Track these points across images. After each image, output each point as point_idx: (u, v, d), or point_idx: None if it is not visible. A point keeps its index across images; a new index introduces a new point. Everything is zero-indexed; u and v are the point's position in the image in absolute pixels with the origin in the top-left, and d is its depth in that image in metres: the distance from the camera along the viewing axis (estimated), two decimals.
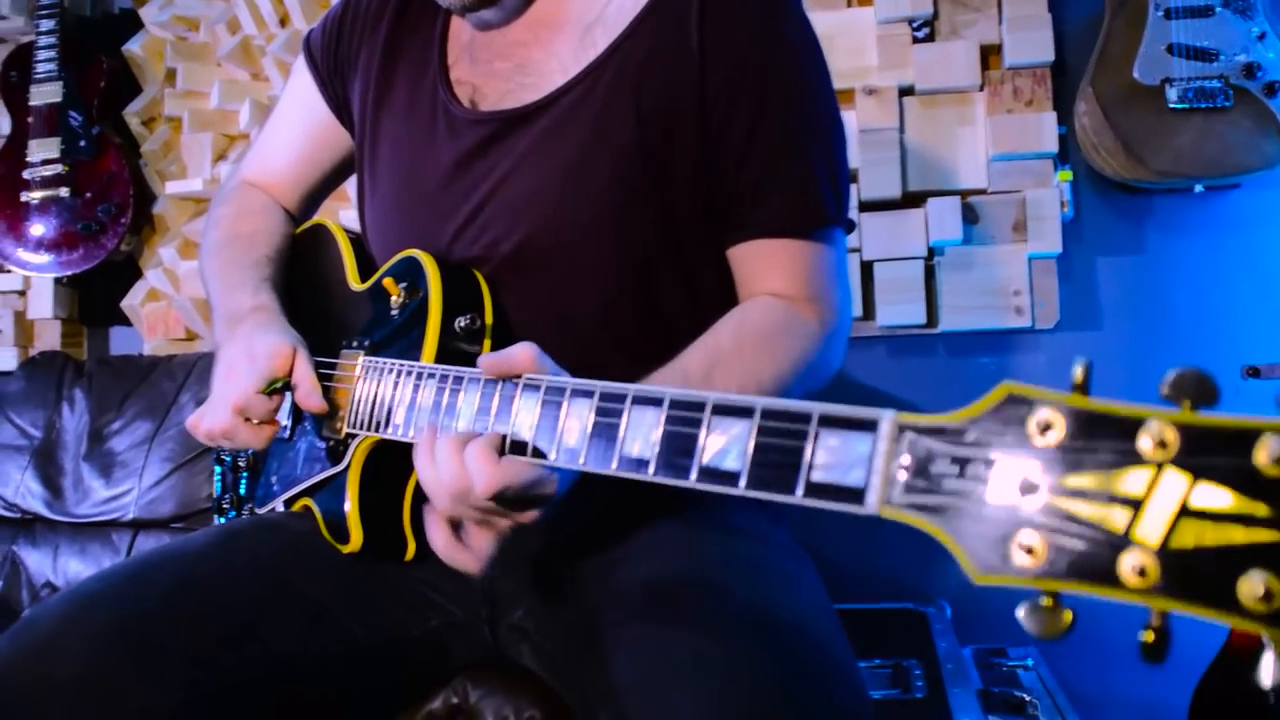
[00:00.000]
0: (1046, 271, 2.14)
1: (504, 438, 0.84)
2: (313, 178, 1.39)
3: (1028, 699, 1.69)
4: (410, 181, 1.18)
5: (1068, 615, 0.55)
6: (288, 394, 1.10)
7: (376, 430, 1.04)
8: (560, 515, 1.04)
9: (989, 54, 2.17)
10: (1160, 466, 0.51)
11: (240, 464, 1.30)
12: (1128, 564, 0.51)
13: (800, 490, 0.63)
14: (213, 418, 1.06)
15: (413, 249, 1.11)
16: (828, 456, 0.62)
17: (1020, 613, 0.55)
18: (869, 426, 0.60)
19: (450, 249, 1.12)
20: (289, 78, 1.40)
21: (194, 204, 2.65)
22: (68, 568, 2.29)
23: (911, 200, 2.17)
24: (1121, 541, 0.51)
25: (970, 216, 2.15)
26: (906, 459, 0.59)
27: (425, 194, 1.16)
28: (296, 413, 1.18)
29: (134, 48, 2.65)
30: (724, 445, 0.69)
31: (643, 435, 0.74)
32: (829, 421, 0.62)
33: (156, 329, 2.64)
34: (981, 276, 2.15)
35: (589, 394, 0.79)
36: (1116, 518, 0.52)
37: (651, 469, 0.73)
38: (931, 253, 2.17)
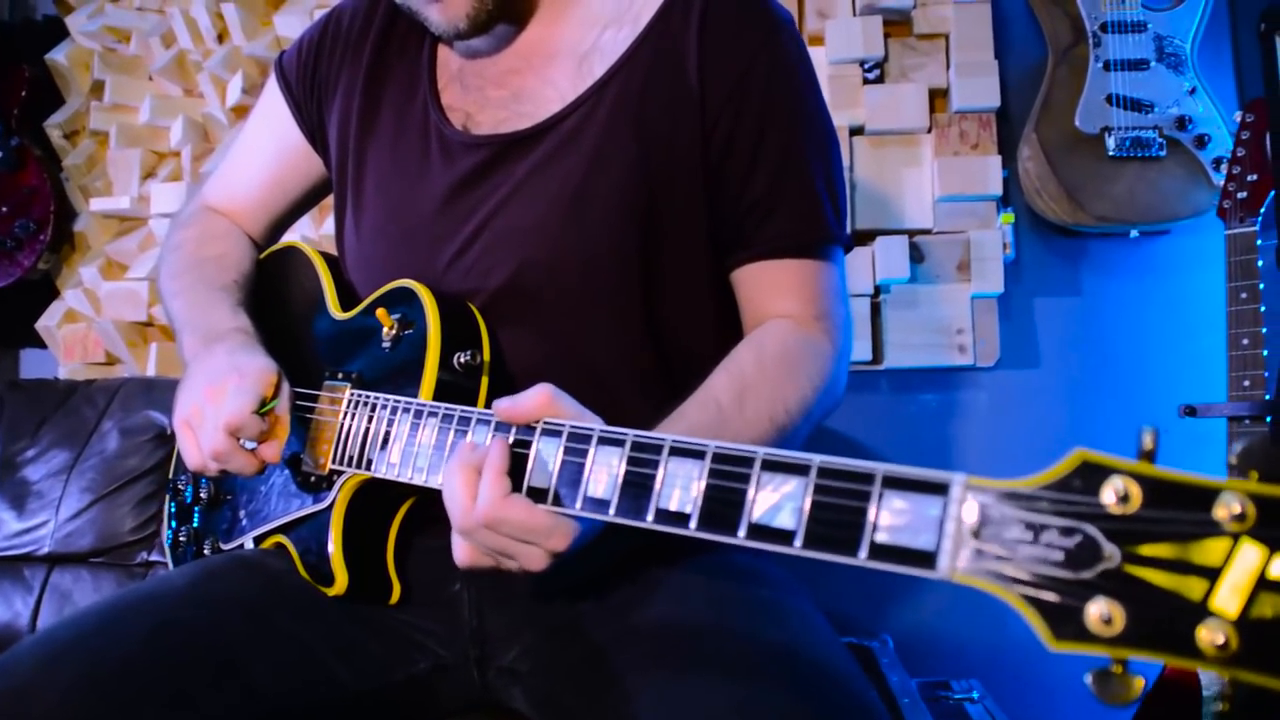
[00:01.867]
0: (988, 310, 2.19)
1: (521, 483, 0.81)
2: (280, 204, 1.34)
3: None
4: (400, 208, 1.14)
5: (1139, 682, 0.55)
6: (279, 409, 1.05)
7: (367, 468, 0.99)
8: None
9: (936, 97, 2.23)
10: (1237, 538, 0.51)
11: (201, 495, 1.23)
12: (1207, 634, 0.51)
13: (864, 552, 0.62)
14: (205, 440, 1.00)
15: (406, 279, 1.07)
16: (894, 519, 0.62)
17: (1089, 680, 0.55)
18: (939, 489, 0.60)
19: (444, 276, 1.08)
20: (258, 100, 1.34)
21: (118, 223, 2.54)
22: None
23: (859, 238, 2.20)
24: (1200, 611, 0.51)
25: (916, 255, 2.19)
26: (978, 524, 0.58)
27: (417, 220, 1.12)
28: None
29: (58, 57, 2.54)
30: (776, 502, 0.67)
31: (681, 488, 0.72)
32: (894, 483, 0.61)
33: (74, 352, 2.51)
34: (926, 315, 2.19)
35: (618, 442, 0.77)
36: (1194, 587, 0.52)
37: (693, 524, 0.71)
38: (878, 290, 2.20)
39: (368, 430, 1.00)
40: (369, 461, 0.99)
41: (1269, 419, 1.76)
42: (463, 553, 0.85)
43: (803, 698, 0.78)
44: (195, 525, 1.26)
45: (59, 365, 2.54)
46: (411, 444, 0.95)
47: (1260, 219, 1.80)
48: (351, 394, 1.05)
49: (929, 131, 2.21)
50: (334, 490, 1.03)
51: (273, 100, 1.30)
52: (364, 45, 1.22)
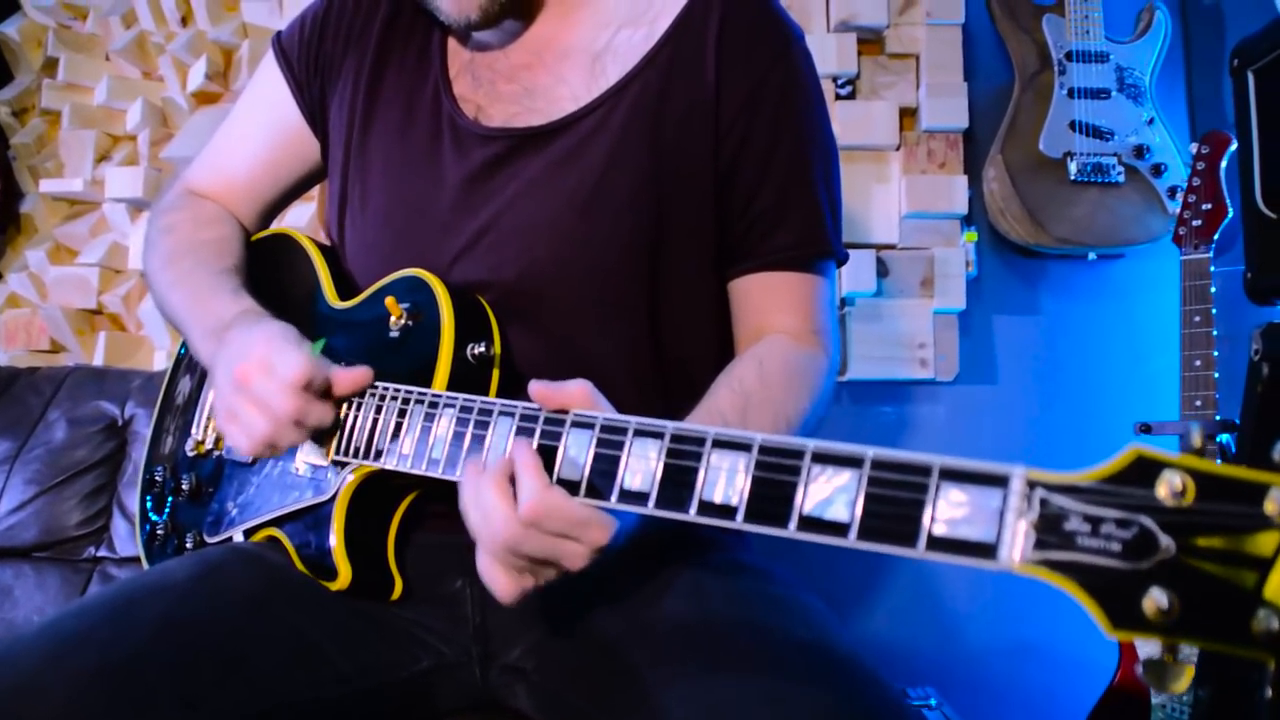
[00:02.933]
0: (949, 326, 2.24)
1: (551, 474, 0.81)
2: (273, 188, 1.30)
3: None
4: (409, 196, 1.12)
5: (1189, 670, 0.58)
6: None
7: (376, 459, 0.98)
8: None
9: (906, 116, 2.28)
10: None
11: (183, 487, 1.20)
12: (1259, 623, 0.53)
13: (923, 544, 0.63)
14: (268, 414, 0.93)
15: (414, 269, 1.05)
16: (952, 511, 0.62)
17: (1141, 670, 0.58)
18: (1000, 482, 0.61)
19: (451, 269, 1.07)
20: (252, 80, 1.30)
21: (68, 205, 2.45)
22: None
23: None
24: (1253, 600, 0.54)
25: (882, 270, 2.23)
26: (1038, 515, 0.60)
27: (427, 210, 1.10)
28: None
29: (8, 31, 2.45)
30: (828, 495, 0.68)
31: (725, 481, 0.72)
32: (952, 475, 0.62)
33: (16, 338, 2.42)
34: (889, 328, 2.23)
35: (658, 435, 0.76)
36: (1246, 578, 0.54)
37: (740, 516, 0.71)
38: (843, 303, 2.24)
39: (376, 420, 0.99)
40: (378, 453, 0.97)
41: (1219, 438, 1.83)
42: (506, 583, 0.82)
43: (837, 692, 0.79)
44: (174, 519, 1.22)
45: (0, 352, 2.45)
46: (426, 435, 0.93)
47: (1214, 245, 1.88)
48: None
49: (898, 149, 2.26)
50: (338, 482, 1.01)
51: (270, 79, 1.25)
52: (370, 26, 1.20)
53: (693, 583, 0.96)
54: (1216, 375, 1.82)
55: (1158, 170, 2.13)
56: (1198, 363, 1.85)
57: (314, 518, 1.03)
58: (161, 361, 2.35)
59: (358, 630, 1.00)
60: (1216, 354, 1.83)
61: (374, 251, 1.15)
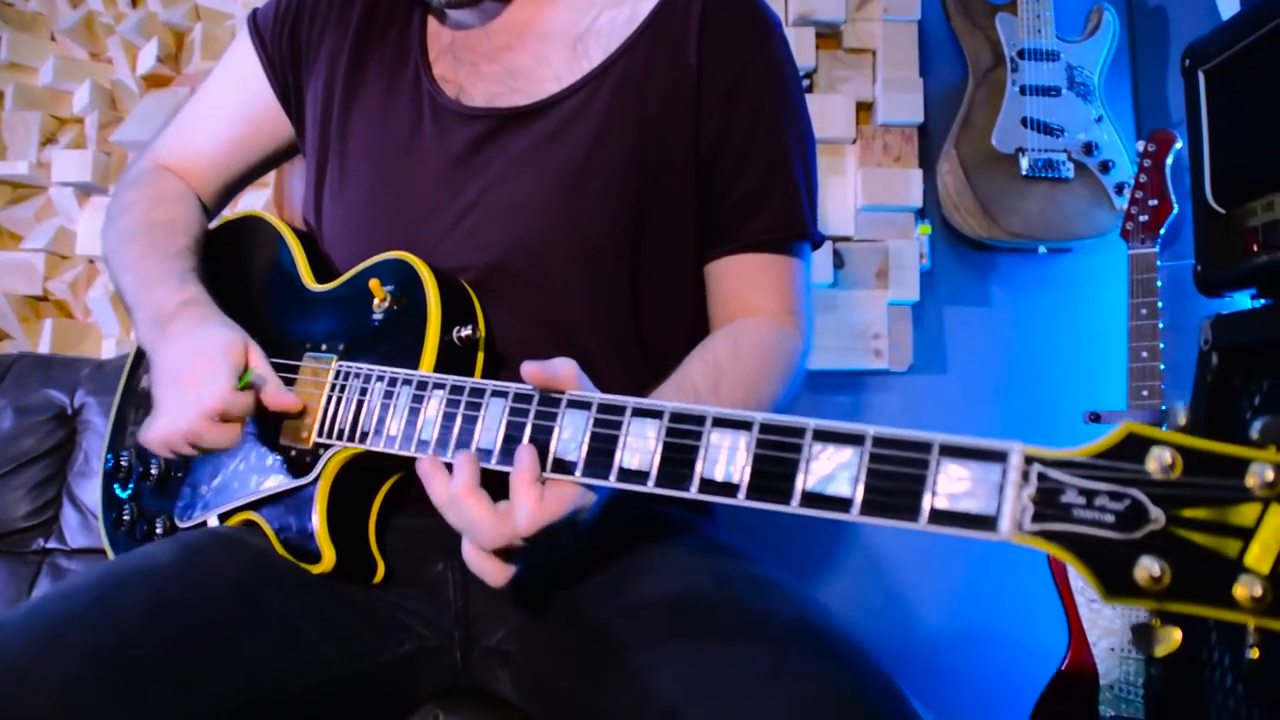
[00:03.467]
0: (902, 317, 2.28)
1: (546, 456, 0.82)
2: (239, 166, 1.29)
3: None
4: (391, 177, 1.12)
5: (1177, 633, 0.61)
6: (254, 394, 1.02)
7: (361, 442, 0.97)
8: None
9: (862, 110, 2.31)
10: (1267, 502, 0.57)
11: (152, 472, 1.18)
12: (1241, 588, 0.57)
13: (924, 517, 0.65)
14: (174, 424, 0.97)
15: (398, 252, 1.05)
16: (953, 485, 0.65)
17: (1131, 634, 0.61)
18: (999, 457, 0.63)
19: (435, 248, 1.07)
20: (225, 56, 1.29)
21: (12, 189, 2.38)
22: None
23: None
24: (1236, 567, 0.57)
25: (838, 262, 2.27)
26: (1035, 489, 0.62)
27: (409, 191, 1.11)
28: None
29: None
30: (830, 471, 0.70)
31: (726, 459, 0.74)
32: (952, 451, 0.65)
33: None
34: (844, 319, 2.26)
35: (656, 414, 0.78)
36: (1230, 546, 0.58)
37: (742, 494, 0.73)
38: None
39: (362, 403, 0.98)
40: (363, 435, 0.97)
41: (1164, 426, 1.89)
42: (495, 572, 0.84)
43: (834, 665, 0.80)
44: (141, 504, 1.20)
45: None
46: (415, 417, 0.93)
47: (1160, 240, 1.94)
48: (339, 366, 1.03)
49: (854, 142, 2.29)
50: (319, 465, 1.00)
51: (243, 56, 1.25)
52: (351, 8, 1.20)
53: (676, 563, 0.97)
54: (1162, 366, 1.89)
55: (1105, 167, 2.19)
56: (1144, 354, 1.91)
57: (294, 501, 1.02)
58: (111, 350, 2.30)
59: (342, 615, 1.00)
60: (1162, 345, 1.89)
61: (355, 233, 1.14)
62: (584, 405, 0.82)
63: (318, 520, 0.99)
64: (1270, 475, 0.56)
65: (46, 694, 0.77)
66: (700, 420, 0.76)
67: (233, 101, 1.26)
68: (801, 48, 2.25)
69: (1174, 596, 0.59)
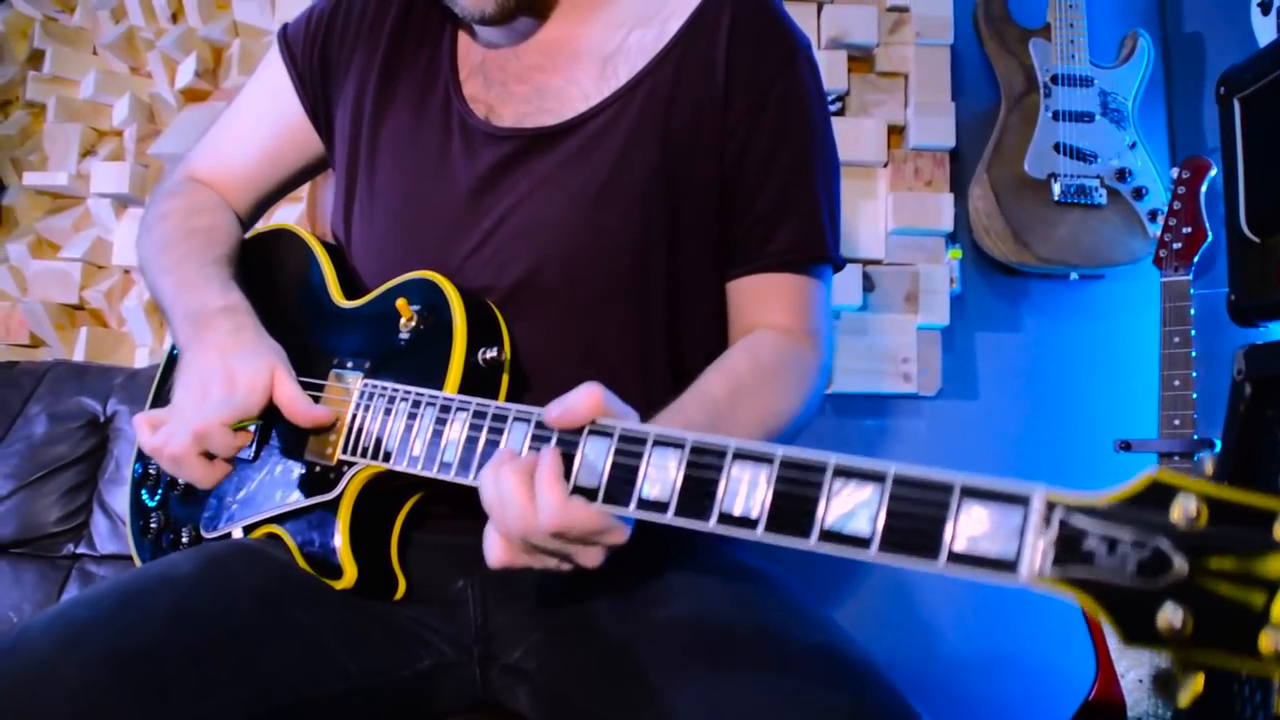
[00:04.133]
0: (932, 342, 2.27)
1: (568, 480, 0.81)
2: (271, 180, 1.30)
3: None
4: (419, 196, 1.13)
5: (1199, 681, 0.60)
6: (249, 437, 1.03)
7: (385, 460, 0.98)
8: None
9: (894, 133, 2.31)
10: None
11: (179, 482, 1.19)
12: (1267, 640, 0.56)
13: (943, 559, 0.64)
14: (169, 434, 0.98)
15: (425, 271, 1.05)
16: (973, 528, 0.64)
17: (1150, 682, 0.60)
18: (1020, 501, 0.63)
19: (461, 267, 1.08)
20: (257, 70, 1.30)
21: (52, 199, 2.43)
22: None
23: None
24: (1261, 619, 0.56)
25: (868, 285, 2.26)
26: (1056, 534, 0.62)
27: (437, 210, 1.11)
28: (266, 429, 1.10)
29: None
30: (850, 509, 0.69)
31: (746, 493, 0.73)
32: (974, 493, 0.64)
33: None
34: (874, 343, 2.26)
35: (678, 445, 0.77)
36: (1255, 598, 0.57)
37: (760, 528, 0.72)
38: None
39: (386, 423, 0.99)
40: (387, 454, 0.97)
41: (1196, 456, 1.87)
42: (501, 553, 0.83)
43: (847, 693, 0.80)
44: (169, 512, 1.21)
45: None
46: (438, 439, 0.93)
47: (1194, 268, 1.92)
48: (365, 384, 1.03)
49: (885, 166, 2.29)
50: (343, 482, 1.01)
51: (274, 72, 1.26)
52: (381, 26, 1.20)
53: (696, 585, 0.97)
54: (1195, 395, 1.86)
55: (1139, 193, 2.17)
56: (1176, 382, 1.89)
57: (318, 516, 1.03)
58: (144, 359, 2.32)
59: (362, 628, 1.00)
60: (1195, 374, 1.87)
61: (383, 251, 1.15)
62: (606, 434, 0.81)
63: (340, 537, 0.99)
64: None
65: (66, 696, 0.77)
66: (722, 453, 0.75)
67: (263, 116, 1.27)
68: (834, 71, 2.26)
69: (1196, 646, 0.58)
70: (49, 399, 2.13)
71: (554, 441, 0.83)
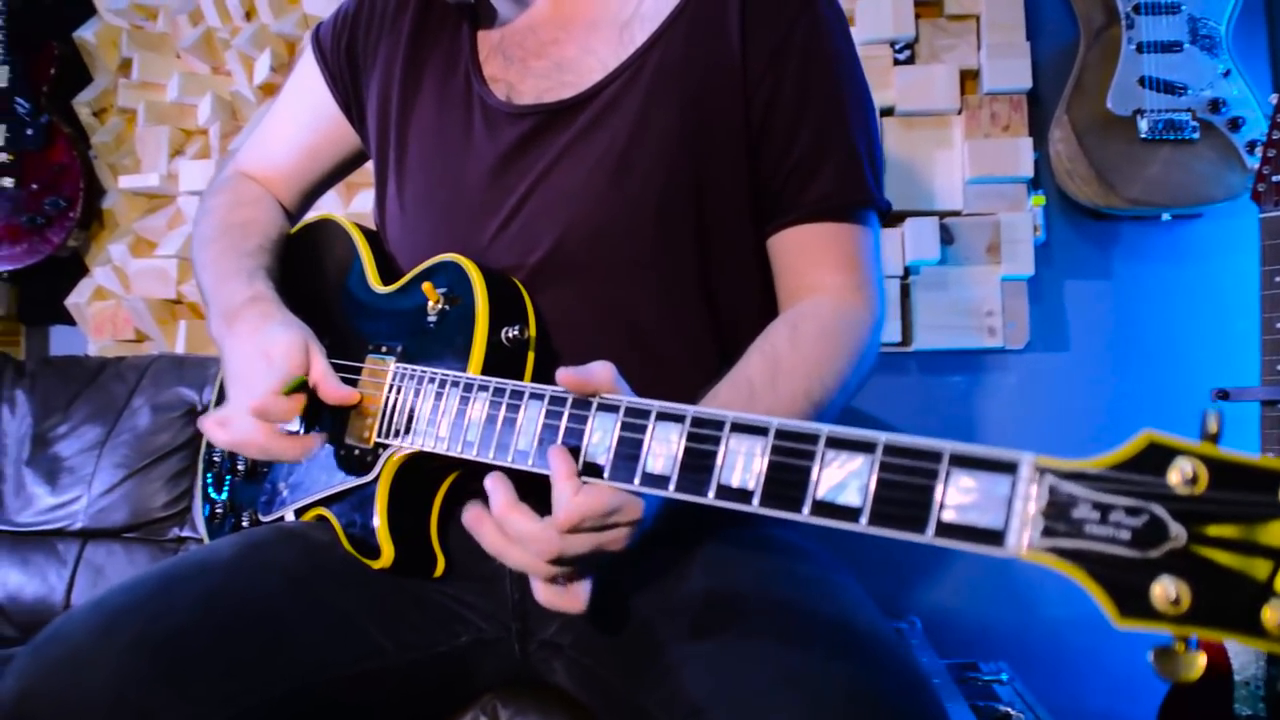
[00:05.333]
0: (1017, 293, 2.19)
1: (577, 459, 0.82)
2: (313, 173, 1.36)
3: (1013, 713, 1.71)
4: (445, 179, 1.15)
5: (1201, 658, 0.56)
6: (304, 398, 1.06)
7: (416, 442, 1.00)
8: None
9: (967, 79, 2.22)
10: None
11: (239, 466, 1.24)
12: (1271, 614, 0.52)
13: (931, 530, 0.62)
14: (239, 429, 1.01)
15: (451, 254, 1.07)
16: (961, 497, 0.62)
17: (1151, 657, 0.56)
18: (1008, 468, 0.60)
19: (490, 246, 1.09)
20: (293, 71, 1.35)
21: (147, 200, 2.55)
22: (7, 580, 2.16)
23: (889, 219, 2.19)
24: (1265, 591, 0.52)
25: (946, 237, 2.19)
26: (1046, 503, 0.59)
27: (463, 192, 1.13)
28: (310, 417, 1.13)
29: (86, 34, 2.55)
30: (841, 480, 0.68)
31: (743, 465, 0.72)
32: (962, 461, 0.62)
33: (104, 329, 2.53)
34: (955, 296, 2.19)
35: (678, 418, 0.77)
36: (1259, 568, 0.53)
37: (756, 500, 0.71)
38: (907, 271, 2.20)
39: (416, 404, 1.01)
40: (416, 435, 1.00)
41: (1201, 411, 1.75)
42: (572, 600, 0.84)
43: (855, 666, 0.79)
44: (232, 498, 1.27)
45: (88, 342, 2.56)
46: (461, 418, 0.95)
47: None
48: (397, 368, 1.06)
49: (959, 113, 2.20)
50: (379, 464, 1.03)
51: (308, 71, 1.31)
52: (403, 17, 1.23)
53: (719, 560, 0.96)
54: None
55: (1235, 124, 2.03)
56: (1278, 326, 1.77)
57: (359, 498, 1.06)
58: None
59: (398, 607, 1.03)
60: None
61: (414, 235, 1.18)
62: (613, 409, 0.82)
63: (378, 517, 1.02)
64: None
65: (102, 678, 0.83)
66: (719, 425, 0.74)
67: (302, 113, 1.32)
68: (900, 17, 2.19)
69: (1194, 621, 0.54)
70: (151, 391, 2.24)
71: (563, 423, 0.84)
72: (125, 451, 2.19)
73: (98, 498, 2.17)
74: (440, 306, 1.05)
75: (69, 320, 2.60)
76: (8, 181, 2.44)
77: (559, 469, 0.81)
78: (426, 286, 1.06)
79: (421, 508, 1.06)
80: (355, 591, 1.02)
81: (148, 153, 2.50)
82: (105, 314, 2.53)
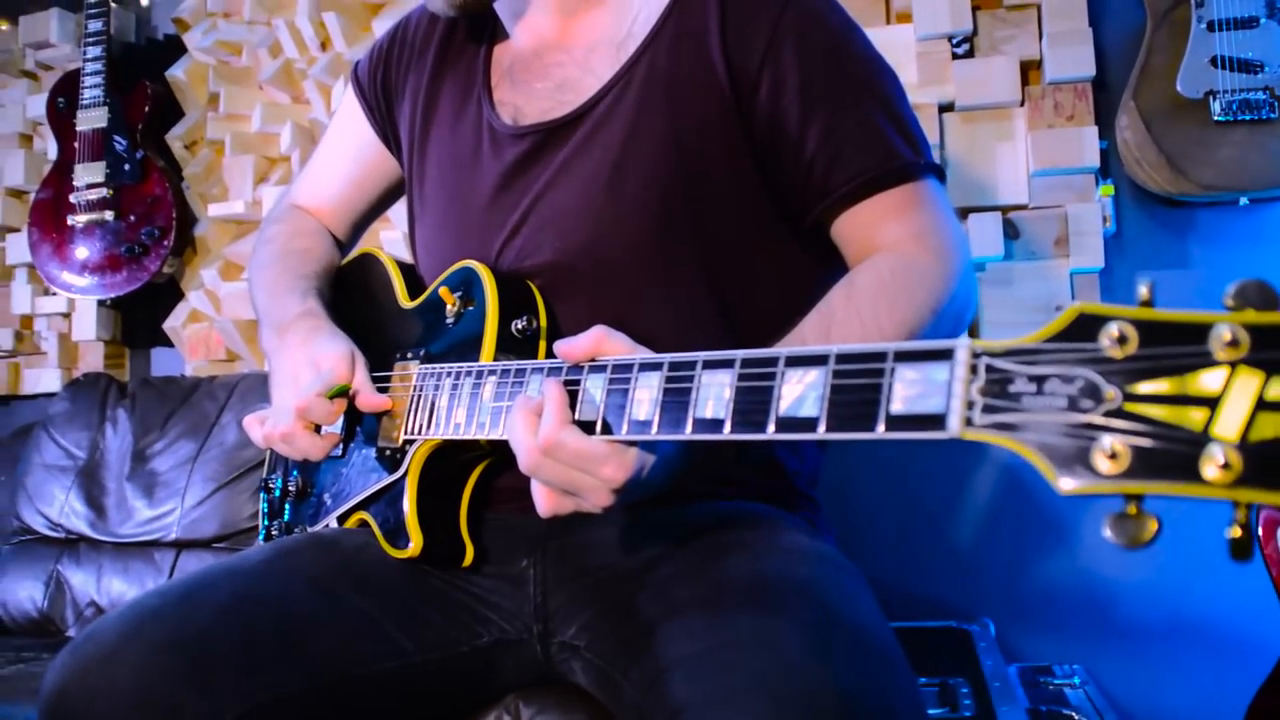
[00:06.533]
0: (1089, 286, 2.12)
1: (574, 405, 0.87)
2: (360, 203, 1.43)
3: (1076, 718, 1.66)
4: (456, 199, 1.21)
5: (1153, 522, 0.55)
6: (345, 404, 1.12)
7: (437, 432, 1.05)
8: (620, 535, 1.05)
9: (1029, 69, 2.17)
10: (1234, 365, 0.52)
11: (290, 488, 1.31)
12: (1210, 460, 0.52)
13: (881, 425, 0.65)
14: (274, 420, 1.10)
15: (465, 260, 1.14)
16: (906, 389, 0.65)
17: (1105, 526, 0.56)
18: (945, 355, 0.63)
19: (498, 261, 1.15)
20: (338, 106, 1.43)
21: (235, 226, 2.68)
22: (111, 588, 2.31)
23: None
24: (1202, 439, 0.52)
25: (1011, 232, 2.14)
26: (984, 382, 0.61)
27: (472, 211, 1.19)
28: (349, 428, 1.19)
29: (177, 72, 2.70)
30: (800, 394, 0.71)
31: (714, 396, 0.76)
32: (905, 356, 0.65)
33: (198, 350, 2.67)
34: (1023, 292, 2.13)
35: (657, 366, 0.82)
36: (1194, 417, 0.53)
37: (727, 428, 0.74)
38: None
39: (436, 398, 1.06)
40: (439, 426, 1.05)
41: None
42: (542, 500, 0.88)
43: (827, 669, 0.79)
44: (286, 519, 1.34)
45: (185, 363, 2.70)
46: (475, 402, 1.01)
47: None
48: (421, 369, 1.11)
49: (1022, 105, 2.15)
50: (408, 458, 1.08)
51: (349, 105, 1.39)
52: (428, 50, 1.30)
53: (721, 564, 0.97)
54: None
55: None
56: None
57: (392, 494, 1.11)
58: None
59: (418, 609, 1.07)
60: None
61: (434, 252, 1.24)
62: (601, 369, 0.87)
63: (408, 506, 1.07)
64: (1233, 335, 0.52)
65: (126, 676, 0.88)
66: (691, 365, 0.79)
67: (347, 147, 1.40)
68: (957, 11, 2.15)
69: (1135, 477, 0.54)
70: (239, 408, 2.36)
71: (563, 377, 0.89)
72: (215, 466, 2.31)
73: (190, 510, 2.29)
74: (457, 309, 1.12)
75: (168, 343, 2.75)
76: (108, 215, 2.60)
77: (551, 395, 0.85)
78: (443, 291, 1.13)
79: (451, 497, 1.11)
80: (378, 594, 1.06)
81: (234, 181, 2.63)
82: (199, 335, 2.67)
